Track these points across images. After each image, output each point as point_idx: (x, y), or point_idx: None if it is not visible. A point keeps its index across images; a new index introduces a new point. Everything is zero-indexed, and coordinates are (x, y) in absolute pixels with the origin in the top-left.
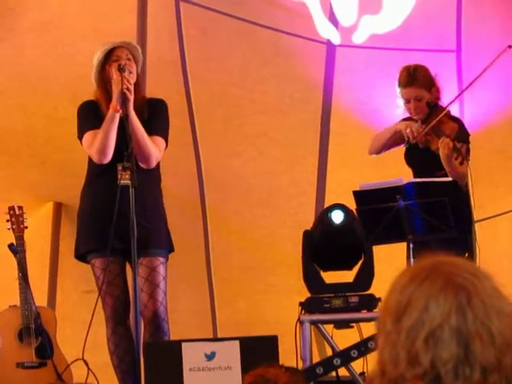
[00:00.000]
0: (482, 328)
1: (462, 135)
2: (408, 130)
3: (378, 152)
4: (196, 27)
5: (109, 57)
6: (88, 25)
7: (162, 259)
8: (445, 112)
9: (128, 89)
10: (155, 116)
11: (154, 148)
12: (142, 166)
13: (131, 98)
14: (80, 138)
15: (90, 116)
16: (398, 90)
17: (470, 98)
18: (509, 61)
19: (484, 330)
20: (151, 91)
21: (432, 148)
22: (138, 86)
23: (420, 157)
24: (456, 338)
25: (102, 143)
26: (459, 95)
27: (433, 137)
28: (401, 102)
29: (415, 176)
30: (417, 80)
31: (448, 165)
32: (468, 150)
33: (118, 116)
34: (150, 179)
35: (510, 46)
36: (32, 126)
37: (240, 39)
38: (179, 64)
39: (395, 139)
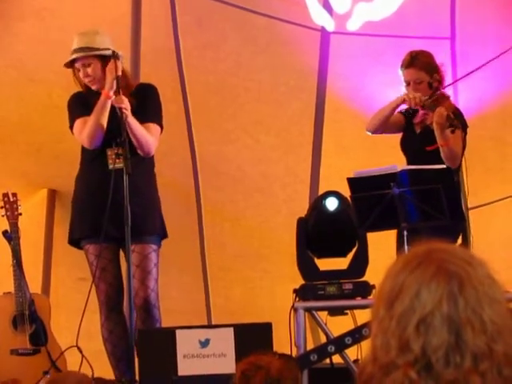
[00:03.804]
0: (474, 316)
1: (459, 117)
2: (411, 96)
3: (376, 129)
4: (191, 15)
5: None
6: (83, 12)
7: (154, 246)
8: (445, 94)
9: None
10: (146, 102)
11: (151, 139)
12: (142, 155)
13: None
14: (71, 126)
15: (80, 105)
16: (400, 72)
17: (465, 85)
18: (503, 48)
19: (475, 318)
20: (146, 79)
21: (427, 122)
22: (125, 77)
23: (416, 143)
24: (447, 325)
25: (92, 128)
26: (455, 81)
27: (430, 114)
28: (404, 88)
29: (409, 163)
30: (418, 62)
31: (440, 135)
32: (464, 140)
33: (109, 102)
34: (142, 165)
35: None
36: (27, 113)
37: (234, 27)
38: (174, 52)
39: (394, 123)
